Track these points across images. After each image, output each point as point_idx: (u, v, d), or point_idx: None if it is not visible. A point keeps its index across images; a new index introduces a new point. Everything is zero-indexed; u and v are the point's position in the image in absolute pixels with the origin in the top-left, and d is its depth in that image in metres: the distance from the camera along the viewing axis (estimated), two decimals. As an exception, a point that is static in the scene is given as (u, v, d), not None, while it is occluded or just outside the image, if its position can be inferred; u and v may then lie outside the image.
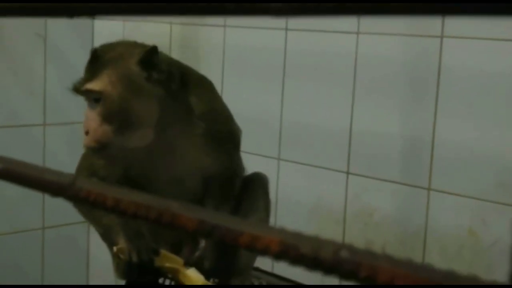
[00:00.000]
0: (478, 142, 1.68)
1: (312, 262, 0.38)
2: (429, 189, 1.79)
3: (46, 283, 2.61)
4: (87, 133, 1.42)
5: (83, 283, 2.72)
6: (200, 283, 1.41)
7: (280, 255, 0.40)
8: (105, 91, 1.41)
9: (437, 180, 1.77)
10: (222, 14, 0.42)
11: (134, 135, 1.43)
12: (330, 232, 1.96)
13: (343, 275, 0.37)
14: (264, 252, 0.40)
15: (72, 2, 0.50)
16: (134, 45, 1.53)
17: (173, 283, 1.66)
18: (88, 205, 0.52)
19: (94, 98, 1.42)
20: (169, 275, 1.53)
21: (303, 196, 2.02)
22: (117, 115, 1.42)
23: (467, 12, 0.35)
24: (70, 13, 0.52)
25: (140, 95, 1.44)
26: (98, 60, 1.44)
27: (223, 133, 1.54)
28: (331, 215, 1.97)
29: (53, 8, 0.54)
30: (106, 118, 1.42)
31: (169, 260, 1.47)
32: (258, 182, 1.61)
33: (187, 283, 1.45)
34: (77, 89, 1.45)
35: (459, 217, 1.73)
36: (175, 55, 2.35)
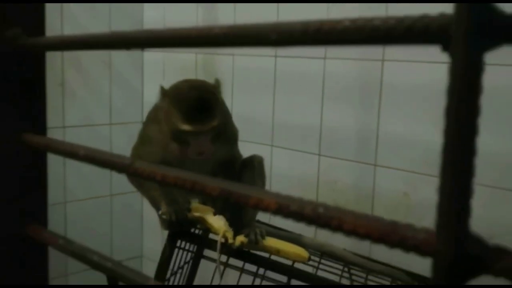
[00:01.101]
0: (410, 132, 1.68)
1: (299, 216, 0.38)
2: (375, 165, 1.79)
3: (114, 238, 2.63)
4: (202, 153, 1.39)
5: (139, 237, 2.73)
6: (221, 230, 1.40)
7: (276, 211, 0.40)
8: (220, 123, 1.39)
9: (381, 158, 1.77)
10: (235, 46, 0.42)
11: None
12: (308, 196, 1.96)
13: (320, 225, 0.37)
14: (265, 209, 0.40)
15: (128, 39, 0.49)
16: (204, 81, 1.48)
17: (201, 232, 1.66)
18: (143, 178, 0.51)
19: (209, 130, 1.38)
20: (198, 225, 1.52)
21: (289, 171, 2.02)
22: (220, 135, 1.42)
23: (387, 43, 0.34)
24: (127, 47, 0.51)
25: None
26: (206, 102, 1.38)
27: (230, 136, 1.53)
28: (308, 184, 1.97)
29: (115, 42, 0.54)
30: (215, 139, 1.40)
31: (200, 210, 1.46)
32: (256, 161, 1.59)
33: (212, 230, 1.44)
34: (202, 129, 1.37)
35: (397, 184, 1.73)
36: (200, 73, 2.34)
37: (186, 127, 1.36)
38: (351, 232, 0.35)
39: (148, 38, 0.48)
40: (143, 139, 1.53)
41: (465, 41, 0.29)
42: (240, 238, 1.40)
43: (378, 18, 0.34)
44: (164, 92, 1.43)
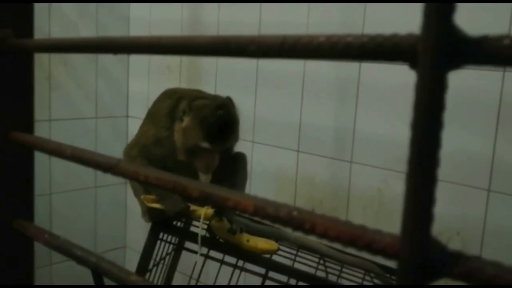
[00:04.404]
0: (385, 130, 1.70)
1: (274, 219, 0.39)
2: (351, 162, 1.80)
3: (98, 229, 2.62)
4: (209, 168, 1.41)
5: (123, 228, 2.72)
6: (203, 210, 1.43)
7: (253, 213, 0.41)
8: (235, 143, 1.46)
9: (357, 155, 1.79)
10: (217, 55, 0.42)
11: None
12: (286, 190, 1.98)
13: (294, 227, 0.38)
14: (243, 211, 0.41)
15: (115, 45, 0.50)
16: (226, 100, 1.45)
17: (182, 224, 1.66)
18: (127, 179, 0.52)
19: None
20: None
21: (269, 166, 2.03)
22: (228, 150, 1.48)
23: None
24: (114, 51, 0.52)
25: None
26: (228, 124, 1.39)
27: None
28: (287, 179, 1.99)
29: (102, 47, 0.54)
30: (222, 153, 1.44)
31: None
32: (240, 158, 1.61)
33: (195, 214, 1.46)
34: (219, 149, 1.40)
35: (371, 180, 1.76)
36: (184, 71, 2.34)
37: (205, 144, 1.37)
38: (323, 235, 0.36)
39: (134, 44, 0.48)
40: (153, 140, 1.49)
41: (430, 61, 0.30)
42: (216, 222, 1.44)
43: (352, 35, 0.35)
44: (190, 106, 1.39)
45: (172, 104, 1.47)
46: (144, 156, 1.48)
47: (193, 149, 1.39)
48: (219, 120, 1.35)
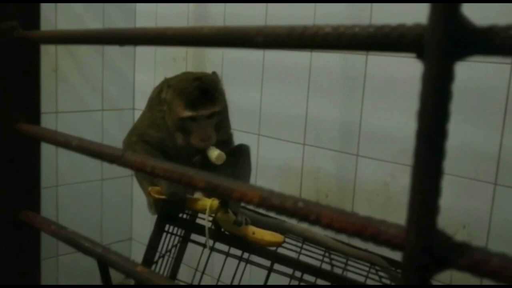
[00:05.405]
0: (391, 123, 1.70)
1: (280, 210, 0.39)
2: (357, 155, 1.80)
3: (104, 221, 2.63)
4: (205, 139, 1.41)
5: (129, 220, 2.73)
6: (208, 202, 1.44)
7: (259, 204, 0.41)
8: (220, 109, 1.42)
9: (363, 149, 1.79)
10: (225, 46, 0.42)
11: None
12: (292, 183, 1.98)
13: (299, 218, 0.38)
14: (249, 202, 0.41)
15: (121, 37, 0.50)
16: (204, 72, 1.50)
17: (188, 217, 1.66)
18: (132, 170, 0.52)
19: (211, 115, 1.41)
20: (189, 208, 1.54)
21: (275, 160, 2.03)
22: (222, 122, 1.46)
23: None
24: (120, 43, 0.52)
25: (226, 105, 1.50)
26: (206, 89, 1.40)
27: (228, 126, 1.58)
28: (293, 172, 1.99)
29: (108, 38, 0.54)
30: (218, 127, 1.44)
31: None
32: (243, 150, 1.61)
33: (200, 206, 1.47)
34: (203, 114, 1.40)
35: (376, 173, 1.75)
36: (190, 64, 2.34)
37: (187, 113, 1.38)
38: (328, 226, 0.36)
39: (141, 36, 0.48)
40: (149, 123, 1.51)
41: (437, 51, 0.30)
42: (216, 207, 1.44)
43: (358, 25, 0.35)
44: (168, 84, 1.44)
45: (160, 88, 1.51)
46: (144, 141, 1.50)
47: (181, 124, 1.41)
48: (196, 88, 1.39)
